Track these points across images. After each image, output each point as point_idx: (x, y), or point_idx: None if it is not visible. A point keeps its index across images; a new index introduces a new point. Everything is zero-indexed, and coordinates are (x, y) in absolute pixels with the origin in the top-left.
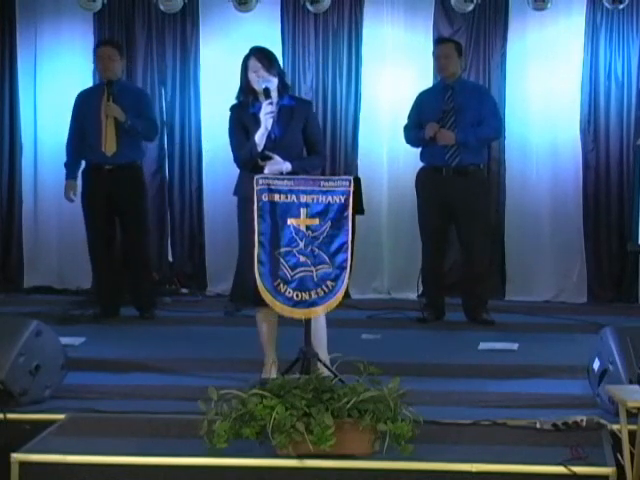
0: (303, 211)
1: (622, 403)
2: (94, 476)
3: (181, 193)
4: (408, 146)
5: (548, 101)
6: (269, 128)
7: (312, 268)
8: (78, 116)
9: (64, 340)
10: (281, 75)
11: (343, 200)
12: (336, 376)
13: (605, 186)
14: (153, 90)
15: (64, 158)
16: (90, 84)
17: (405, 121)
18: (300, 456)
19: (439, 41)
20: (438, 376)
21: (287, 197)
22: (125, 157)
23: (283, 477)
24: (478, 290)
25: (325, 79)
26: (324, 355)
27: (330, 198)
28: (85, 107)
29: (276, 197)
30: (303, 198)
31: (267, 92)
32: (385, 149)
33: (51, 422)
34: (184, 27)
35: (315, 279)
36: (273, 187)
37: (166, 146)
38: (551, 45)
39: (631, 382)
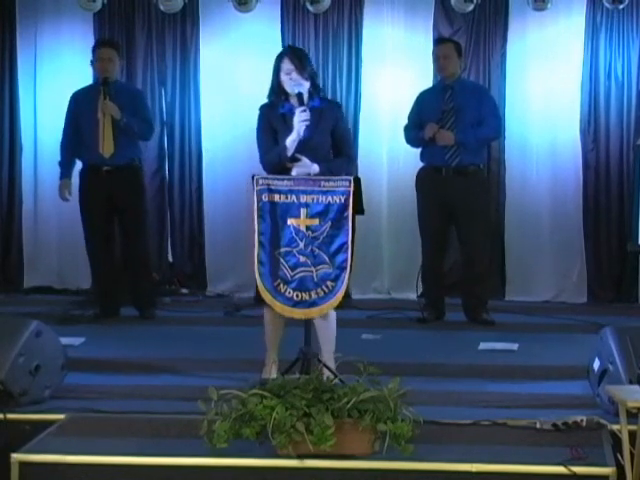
0: (303, 211)
1: (622, 403)
2: (94, 476)
3: (181, 193)
4: (408, 146)
5: (548, 101)
6: (302, 135)
7: (312, 268)
8: (73, 115)
9: (64, 340)
10: (313, 77)
11: (343, 200)
12: (336, 376)
13: (605, 186)
14: (153, 90)
15: None
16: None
17: (405, 121)
18: (300, 456)
19: (439, 41)
20: (438, 376)
21: (287, 197)
22: (123, 157)
23: (283, 477)
24: (478, 290)
25: (325, 79)
26: (329, 356)
27: (330, 198)
28: (81, 107)
29: (276, 197)
30: (303, 198)
31: (301, 98)
32: (385, 149)
33: (51, 422)
34: (184, 27)
35: (315, 279)
36: (273, 187)
37: (166, 146)
38: (551, 45)
39: (631, 382)
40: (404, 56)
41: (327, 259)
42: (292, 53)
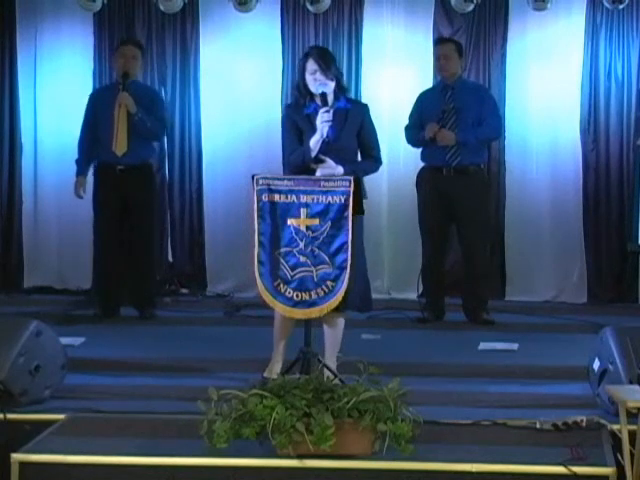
0: (303, 211)
1: (622, 403)
2: (94, 476)
3: (181, 193)
4: (408, 146)
5: (548, 101)
6: (324, 136)
7: (312, 268)
8: (91, 114)
9: (64, 340)
10: (338, 77)
11: (343, 200)
12: (336, 376)
13: (605, 186)
14: None
15: (64, 158)
16: (90, 84)
17: (405, 121)
18: (300, 456)
19: (439, 41)
20: (438, 376)
21: (287, 197)
22: (137, 157)
23: (283, 477)
24: (478, 290)
25: None
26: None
27: (330, 198)
28: (98, 105)
29: (276, 197)
30: (303, 198)
31: (324, 98)
32: (385, 149)
33: (51, 422)
34: (184, 27)
35: (315, 279)
36: (273, 187)
37: (166, 146)
38: (551, 45)
39: (631, 382)
40: (404, 56)
41: (327, 259)
42: (317, 53)
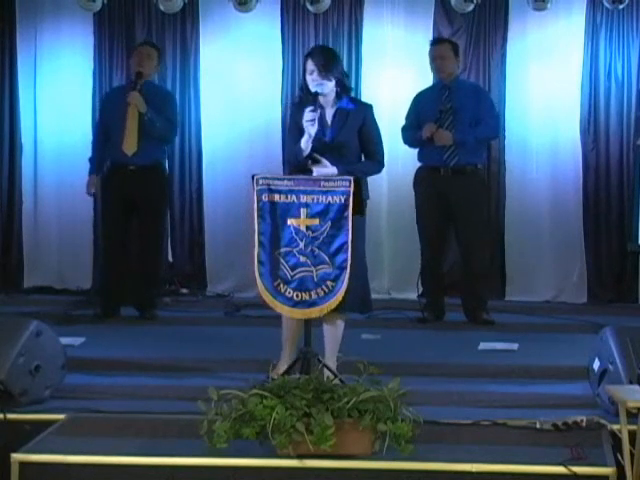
0: (303, 211)
1: (622, 403)
2: (94, 476)
3: (181, 193)
4: (406, 146)
5: (548, 101)
6: (312, 135)
7: (312, 268)
8: (104, 114)
9: (64, 340)
10: (339, 77)
11: (343, 200)
12: (336, 376)
13: (605, 186)
14: None
15: (64, 158)
16: (90, 84)
17: (404, 121)
18: (300, 456)
19: (435, 42)
20: (438, 376)
21: (287, 197)
22: (148, 158)
23: (283, 477)
24: (478, 290)
25: None
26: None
27: (330, 198)
28: (111, 104)
29: (276, 197)
30: (303, 198)
31: (315, 97)
32: (385, 149)
33: (51, 422)
34: (184, 27)
35: (315, 279)
36: (273, 187)
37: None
38: (551, 45)
39: (631, 382)
40: (404, 56)
41: (327, 259)
42: (315, 53)
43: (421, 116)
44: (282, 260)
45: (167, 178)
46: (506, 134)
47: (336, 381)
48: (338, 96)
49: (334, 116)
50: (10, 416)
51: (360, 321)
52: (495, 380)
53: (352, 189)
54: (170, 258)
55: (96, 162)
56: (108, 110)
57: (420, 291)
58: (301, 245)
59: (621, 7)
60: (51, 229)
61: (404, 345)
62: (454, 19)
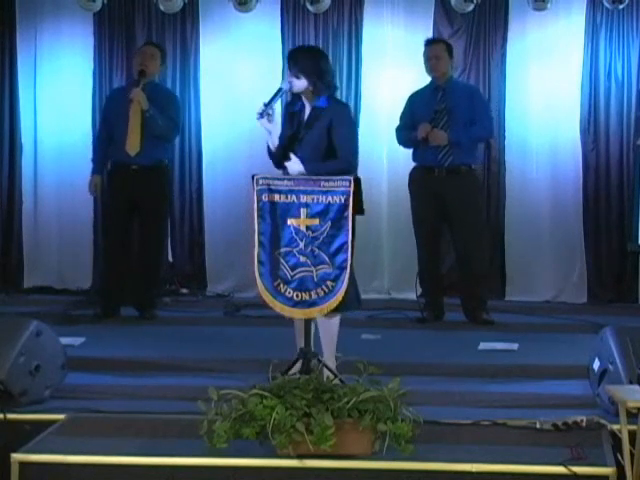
0: (303, 211)
1: (622, 403)
2: (94, 476)
3: (181, 193)
4: (402, 146)
5: (548, 101)
6: (271, 131)
7: (312, 268)
8: (107, 113)
9: (64, 340)
10: (313, 76)
11: (343, 200)
12: (336, 376)
13: (605, 186)
14: None
15: (64, 158)
16: (90, 84)
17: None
18: (300, 456)
19: (429, 42)
20: (438, 376)
21: (287, 197)
22: (151, 158)
23: (283, 477)
24: (477, 291)
25: None
26: (330, 357)
27: (330, 198)
28: (114, 104)
29: (276, 197)
30: (303, 198)
31: (276, 93)
32: (385, 149)
33: (51, 422)
34: (184, 27)
35: (315, 279)
36: (273, 187)
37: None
38: (551, 45)
39: (631, 382)
40: (404, 56)
41: (327, 259)
42: (290, 52)
43: (415, 116)
44: (282, 260)
45: (169, 178)
46: (506, 134)
47: (336, 381)
48: (315, 94)
49: (309, 115)
50: (10, 416)
51: (360, 321)
52: (495, 380)
53: (352, 189)
54: (170, 258)
55: (99, 162)
56: (111, 109)
57: (418, 292)
58: (301, 245)
59: (621, 7)
60: (51, 229)
61: (404, 345)
62: (454, 19)
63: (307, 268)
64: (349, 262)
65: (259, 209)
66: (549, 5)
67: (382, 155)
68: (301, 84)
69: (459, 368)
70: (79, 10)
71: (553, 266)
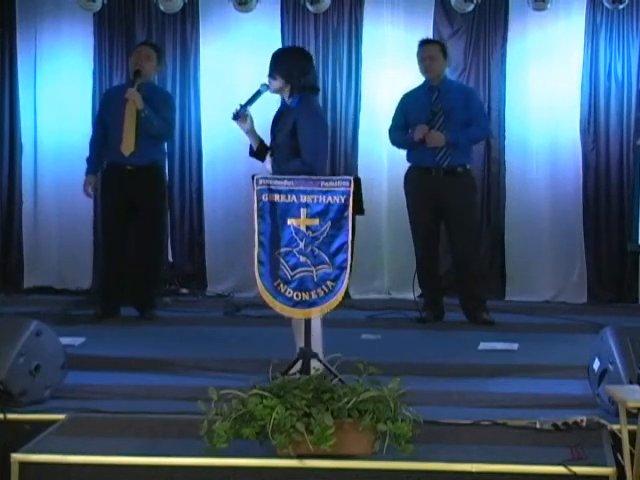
0: (303, 211)
1: (622, 403)
2: (94, 476)
3: (181, 193)
4: (396, 147)
5: (548, 101)
6: (245, 131)
7: (312, 268)
8: (102, 113)
9: (64, 340)
10: (288, 77)
11: (343, 200)
12: (336, 376)
13: (605, 186)
14: None
15: (64, 158)
16: (90, 84)
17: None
18: (300, 456)
19: (424, 43)
20: (438, 376)
21: (287, 197)
22: (145, 158)
23: (283, 477)
24: (476, 290)
25: (325, 79)
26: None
27: (330, 198)
28: (109, 104)
29: (276, 197)
30: (303, 198)
31: (254, 94)
32: (385, 149)
33: (51, 422)
34: (184, 27)
35: (315, 279)
36: (273, 187)
37: (166, 146)
38: (551, 45)
39: (631, 382)
40: (404, 56)
41: (327, 259)
42: (272, 54)
43: (410, 117)
44: (282, 260)
45: (165, 178)
46: (506, 134)
47: (336, 381)
48: (291, 95)
49: (281, 115)
50: (10, 416)
51: (360, 321)
52: (495, 380)
53: (352, 189)
54: (170, 258)
55: (93, 162)
56: (106, 109)
57: (417, 292)
58: (301, 245)
59: (621, 7)
60: (51, 229)
61: (404, 345)
62: (454, 19)
63: (307, 268)
64: (349, 262)
65: (259, 209)
66: (549, 5)
67: (382, 155)
68: (277, 84)
69: (459, 368)
70: (79, 10)
71: (553, 266)
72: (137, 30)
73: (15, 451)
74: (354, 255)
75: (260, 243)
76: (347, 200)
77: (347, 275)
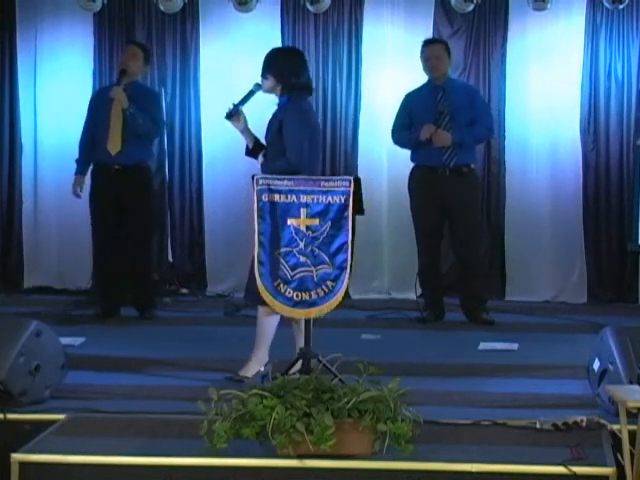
0: (303, 211)
1: (622, 403)
2: (94, 476)
3: (181, 193)
4: (399, 147)
5: (548, 101)
6: (239, 130)
7: (312, 268)
8: (91, 113)
9: (64, 340)
10: (279, 76)
11: (343, 200)
12: (336, 376)
13: (605, 186)
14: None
15: (64, 158)
16: (90, 84)
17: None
18: (300, 456)
19: (429, 42)
20: (438, 376)
21: (287, 197)
22: (132, 157)
23: (283, 477)
24: (477, 290)
25: (325, 79)
26: (257, 354)
27: (330, 198)
28: (97, 104)
29: (276, 197)
30: (303, 198)
31: (247, 94)
32: (385, 149)
33: (51, 422)
34: (184, 27)
35: (315, 279)
36: (273, 187)
37: (166, 146)
38: (551, 45)
39: (631, 382)
40: (404, 56)
41: (327, 259)
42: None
43: (415, 117)
44: (282, 260)
45: (152, 177)
46: (506, 134)
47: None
48: (282, 94)
49: (272, 115)
50: (10, 416)
51: (360, 321)
52: (495, 380)
53: (352, 189)
54: (170, 258)
55: (82, 162)
56: (94, 109)
57: (418, 292)
58: (301, 245)
59: (621, 7)
60: (51, 229)
61: (404, 345)
62: (454, 19)
63: (307, 268)
64: (349, 262)
65: (259, 209)
66: (549, 5)
67: (382, 155)
68: (268, 84)
69: (459, 368)
70: (79, 10)
71: (553, 266)
72: (137, 30)
73: (15, 451)
74: (354, 255)
75: (260, 243)
76: (347, 200)
77: (347, 275)
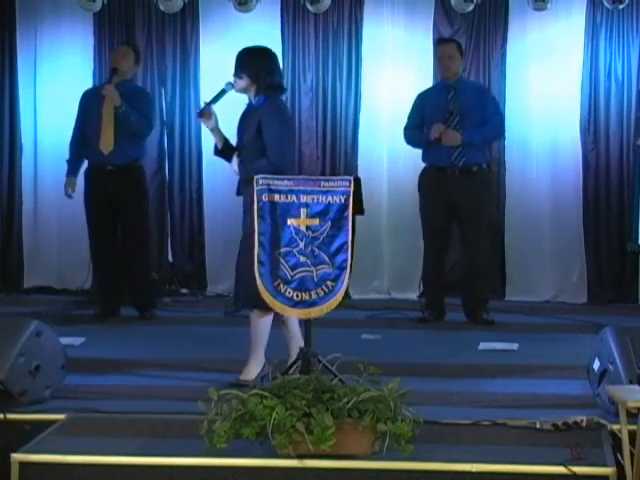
0: (303, 211)
1: (622, 403)
2: (94, 476)
3: (181, 193)
4: (408, 146)
5: (548, 101)
6: (209, 129)
7: (312, 268)
8: (82, 113)
9: (64, 340)
10: (253, 76)
11: (343, 200)
12: (336, 376)
13: (605, 186)
14: (153, 90)
15: (64, 158)
16: (90, 84)
17: (405, 121)
18: (300, 456)
19: (442, 41)
20: (438, 376)
21: (287, 197)
22: (125, 157)
23: (283, 477)
24: (478, 290)
25: (325, 79)
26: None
27: (330, 198)
28: (88, 104)
29: (276, 197)
30: (303, 198)
31: (219, 93)
32: (385, 149)
33: (51, 422)
34: (184, 27)
35: (315, 279)
36: (273, 187)
37: (166, 146)
38: (551, 45)
39: (631, 382)
40: (404, 56)
41: (327, 259)
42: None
43: (427, 116)
44: (282, 260)
45: (145, 176)
46: (506, 134)
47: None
48: (256, 94)
49: (247, 115)
50: (10, 416)
51: (360, 321)
52: (495, 380)
53: (352, 189)
54: (170, 258)
55: (73, 163)
56: (85, 109)
57: (421, 291)
58: (301, 245)
59: (621, 7)
60: (51, 229)
61: (404, 345)
62: (454, 19)
63: (307, 268)
64: (349, 262)
65: (259, 209)
66: (549, 5)
67: (382, 155)
68: (242, 84)
69: (459, 368)
70: (79, 10)
71: (553, 266)
72: (137, 30)
73: (15, 451)
74: (354, 255)
75: (260, 243)
76: (347, 200)
77: (347, 275)
